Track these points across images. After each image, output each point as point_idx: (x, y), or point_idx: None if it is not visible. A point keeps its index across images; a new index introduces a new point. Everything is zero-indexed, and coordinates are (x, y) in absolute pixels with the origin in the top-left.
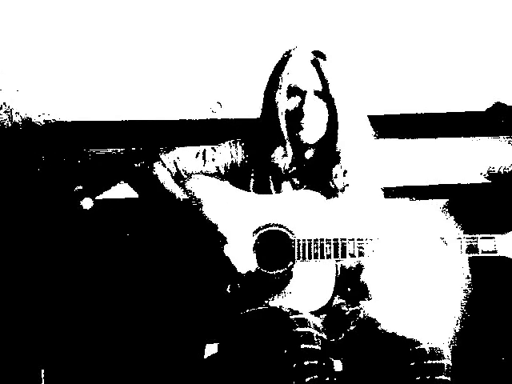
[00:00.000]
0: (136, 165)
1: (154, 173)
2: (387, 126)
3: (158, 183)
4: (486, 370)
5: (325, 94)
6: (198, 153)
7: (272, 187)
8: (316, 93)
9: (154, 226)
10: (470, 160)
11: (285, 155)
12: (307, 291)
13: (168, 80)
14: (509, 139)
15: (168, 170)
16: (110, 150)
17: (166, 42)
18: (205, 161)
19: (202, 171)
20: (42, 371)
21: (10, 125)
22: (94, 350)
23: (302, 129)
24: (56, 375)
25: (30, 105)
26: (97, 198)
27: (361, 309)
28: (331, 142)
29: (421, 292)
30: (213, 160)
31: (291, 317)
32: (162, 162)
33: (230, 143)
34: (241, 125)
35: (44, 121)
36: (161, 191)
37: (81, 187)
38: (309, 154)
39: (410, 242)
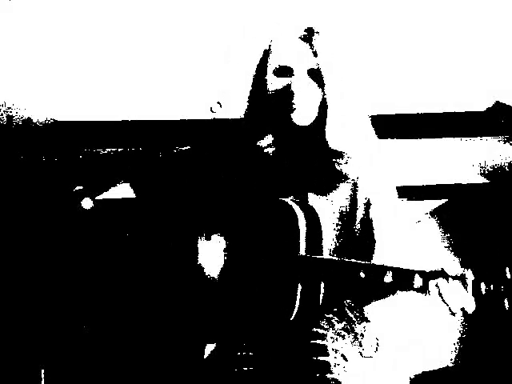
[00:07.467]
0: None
1: (151, 178)
2: (387, 126)
3: (154, 188)
4: (486, 369)
5: (316, 74)
6: (187, 156)
7: (263, 175)
8: (309, 72)
9: (153, 226)
10: (469, 160)
11: (273, 142)
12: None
13: (168, 80)
14: (509, 139)
15: (162, 176)
16: (109, 150)
17: (165, 42)
18: (195, 163)
19: (194, 174)
20: (42, 371)
21: (10, 125)
22: (94, 350)
23: (293, 111)
24: (56, 375)
25: (29, 105)
26: (97, 198)
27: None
28: (321, 124)
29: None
30: (203, 162)
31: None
32: (155, 167)
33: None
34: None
35: (44, 121)
36: (159, 195)
37: (81, 187)
38: (300, 137)
39: (409, 241)
